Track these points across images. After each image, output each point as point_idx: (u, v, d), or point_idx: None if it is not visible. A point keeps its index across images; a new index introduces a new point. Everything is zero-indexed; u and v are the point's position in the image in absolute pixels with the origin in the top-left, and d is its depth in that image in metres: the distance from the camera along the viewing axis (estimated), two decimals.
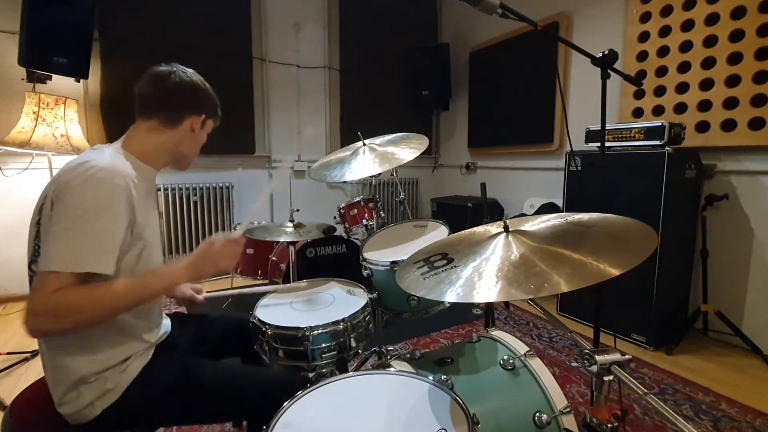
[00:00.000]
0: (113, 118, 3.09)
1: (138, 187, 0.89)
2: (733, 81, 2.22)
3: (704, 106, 2.34)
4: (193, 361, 1.01)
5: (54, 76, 2.59)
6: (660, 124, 2.14)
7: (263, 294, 1.36)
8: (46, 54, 2.40)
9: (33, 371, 1.99)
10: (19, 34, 2.39)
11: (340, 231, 2.18)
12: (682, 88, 2.43)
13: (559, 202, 2.94)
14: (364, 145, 1.69)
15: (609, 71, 1.14)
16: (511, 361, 1.00)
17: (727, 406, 1.74)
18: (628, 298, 2.25)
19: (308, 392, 0.82)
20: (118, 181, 0.83)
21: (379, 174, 1.52)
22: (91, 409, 0.85)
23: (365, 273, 1.38)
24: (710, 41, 2.29)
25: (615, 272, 0.65)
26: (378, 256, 1.40)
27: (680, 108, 2.44)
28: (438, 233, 1.48)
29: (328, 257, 2.47)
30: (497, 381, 0.98)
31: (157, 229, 1.03)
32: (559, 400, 0.94)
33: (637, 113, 2.67)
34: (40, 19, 2.34)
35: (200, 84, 1.03)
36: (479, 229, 1.00)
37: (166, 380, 0.93)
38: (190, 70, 1.03)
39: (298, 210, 2.10)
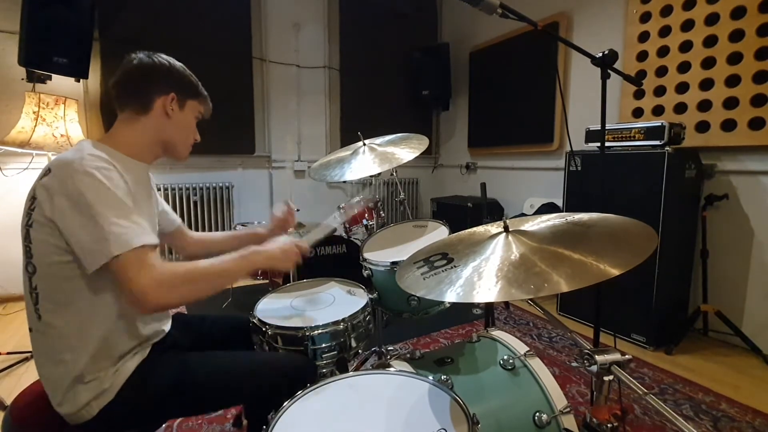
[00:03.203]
0: (113, 118, 3.06)
1: (124, 173, 0.88)
2: (733, 81, 2.22)
3: (704, 106, 2.34)
4: (190, 355, 1.01)
5: (54, 76, 2.59)
6: (660, 124, 2.14)
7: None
8: (46, 54, 2.40)
9: (33, 371, 1.97)
10: (19, 34, 2.39)
11: (340, 231, 2.18)
12: (682, 88, 2.43)
13: (559, 202, 2.94)
14: (364, 145, 1.69)
15: (609, 71, 1.14)
16: (511, 361, 1.00)
17: (727, 406, 1.74)
18: (628, 298, 2.25)
19: (308, 392, 0.82)
20: (105, 164, 0.84)
21: (379, 174, 1.52)
22: (88, 409, 0.85)
23: (365, 273, 1.38)
24: (710, 41, 2.29)
25: (615, 272, 0.65)
26: (378, 256, 1.40)
27: (680, 108, 2.44)
28: (438, 233, 1.48)
29: (328, 257, 2.47)
30: (497, 381, 0.98)
31: (154, 228, 1.01)
32: (559, 400, 0.94)
33: (637, 113, 2.67)
34: (39, 19, 2.34)
35: (165, 63, 0.99)
36: (479, 229, 1.00)
37: (162, 377, 0.93)
38: (158, 54, 0.99)
39: (298, 210, 2.10)
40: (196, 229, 3.45)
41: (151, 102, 0.97)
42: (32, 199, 0.83)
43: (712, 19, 2.29)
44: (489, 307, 1.86)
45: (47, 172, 0.84)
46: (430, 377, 0.85)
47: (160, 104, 0.98)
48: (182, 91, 1.01)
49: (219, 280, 0.91)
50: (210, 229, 3.50)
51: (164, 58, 1.00)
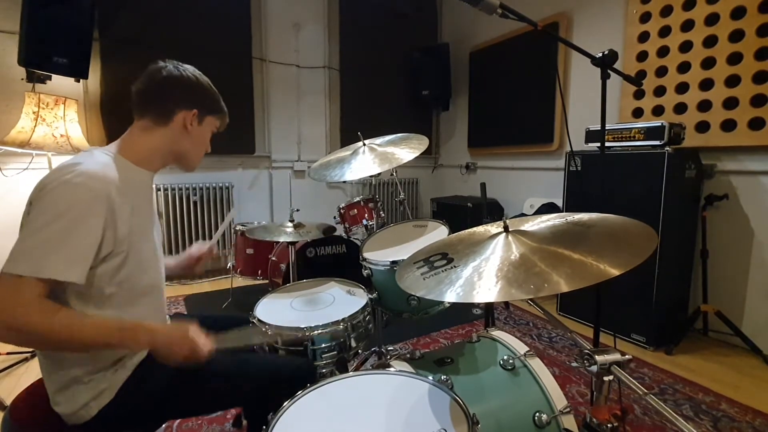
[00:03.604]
0: (113, 118, 3.09)
1: (124, 193, 0.85)
2: (733, 81, 2.21)
3: (704, 106, 2.34)
4: None
5: (54, 76, 2.59)
6: (660, 124, 2.14)
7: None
8: (46, 54, 2.40)
9: (33, 371, 1.99)
10: (19, 34, 2.39)
11: (340, 231, 2.18)
12: (682, 88, 2.43)
13: (559, 202, 2.94)
14: (364, 145, 1.69)
15: (609, 71, 1.13)
16: (511, 361, 1.00)
17: (727, 406, 1.74)
18: (628, 298, 2.25)
19: (308, 392, 0.82)
20: (97, 187, 0.79)
21: (379, 174, 1.52)
22: (87, 409, 0.85)
23: (365, 273, 1.38)
24: (710, 41, 2.29)
25: (615, 272, 0.65)
26: (378, 256, 1.40)
27: (680, 108, 2.44)
28: (438, 233, 1.48)
29: (328, 257, 2.46)
30: (497, 381, 0.98)
31: (152, 236, 0.98)
32: (559, 400, 0.94)
33: (637, 113, 2.67)
34: (39, 19, 2.34)
35: (192, 78, 0.99)
36: (479, 229, 1.00)
37: (161, 377, 0.92)
38: (185, 66, 0.99)
39: (298, 210, 2.10)
40: (197, 230, 3.46)
41: (173, 115, 0.96)
42: (30, 202, 0.82)
43: (712, 20, 2.28)
44: (489, 307, 1.86)
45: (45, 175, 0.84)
46: (430, 377, 0.85)
47: (180, 118, 0.97)
48: (204, 107, 1.01)
49: (81, 346, 0.80)
50: (211, 230, 3.50)
51: (191, 71, 1.00)
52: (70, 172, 0.79)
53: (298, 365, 1.03)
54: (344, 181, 3.68)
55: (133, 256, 0.88)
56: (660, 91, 2.54)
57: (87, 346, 0.81)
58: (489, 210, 3.72)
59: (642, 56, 2.62)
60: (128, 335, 0.82)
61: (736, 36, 2.19)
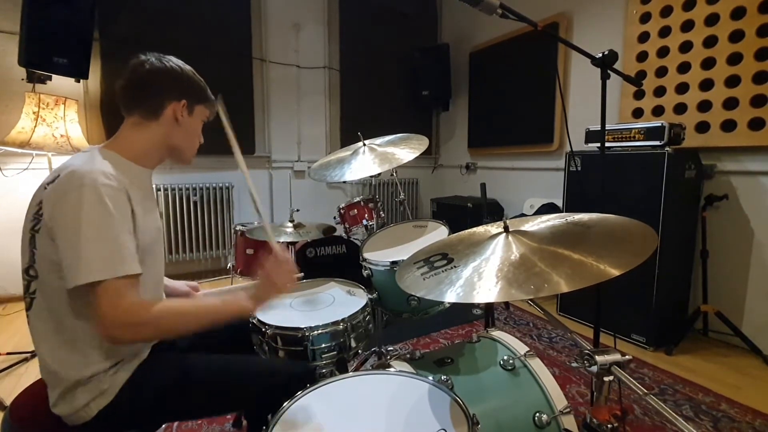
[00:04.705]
0: (113, 119, 3.09)
1: (135, 193, 0.87)
2: (733, 81, 2.21)
3: (704, 106, 2.34)
4: (189, 357, 1.01)
5: (54, 76, 2.58)
6: (660, 124, 2.14)
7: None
8: (46, 54, 2.40)
9: (33, 371, 1.99)
10: (19, 34, 2.38)
11: (340, 231, 2.18)
12: (682, 88, 2.43)
13: (559, 203, 2.94)
14: (364, 145, 1.69)
15: (609, 71, 1.14)
16: (511, 361, 1.00)
17: (727, 406, 1.74)
18: (628, 298, 2.25)
19: (308, 392, 0.82)
20: (118, 186, 0.83)
21: (379, 174, 1.52)
22: (86, 410, 0.85)
23: (365, 273, 1.38)
24: (710, 42, 2.29)
25: (615, 272, 0.65)
26: (378, 256, 1.40)
27: (680, 108, 2.44)
28: (438, 233, 1.48)
29: (328, 257, 2.46)
30: (497, 381, 0.98)
31: (157, 232, 0.99)
32: (559, 401, 0.94)
33: (637, 113, 2.67)
34: (40, 19, 2.34)
35: (177, 68, 0.97)
36: (479, 229, 1.00)
37: (161, 379, 0.92)
38: (168, 57, 0.97)
39: (297, 210, 2.10)
40: (197, 230, 3.45)
41: (162, 108, 0.95)
42: (40, 203, 0.83)
43: (711, 20, 2.29)
44: (489, 307, 1.86)
45: (56, 177, 0.83)
46: (430, 377, 0.85)
47: (170, 110, 0.96)
48: (192, 97, 1.00)
49: (195, 325, 0.88)
50: (211, 230, 3.51)
51: (175, 62, 0.98)
52: (88, 174, 0.80)
53: (299, 372, 1.02)
54: (344, 182, 3.69)
55: (148, 253, 0.90)
56: (660, 92, 2.54)
57: (198, 326, 0.87)
58: (489, 210, 3.72)
59: (642, 56, 2.62)
60: (229, 300, 0.92)
61: (736, 36, 2.19)
